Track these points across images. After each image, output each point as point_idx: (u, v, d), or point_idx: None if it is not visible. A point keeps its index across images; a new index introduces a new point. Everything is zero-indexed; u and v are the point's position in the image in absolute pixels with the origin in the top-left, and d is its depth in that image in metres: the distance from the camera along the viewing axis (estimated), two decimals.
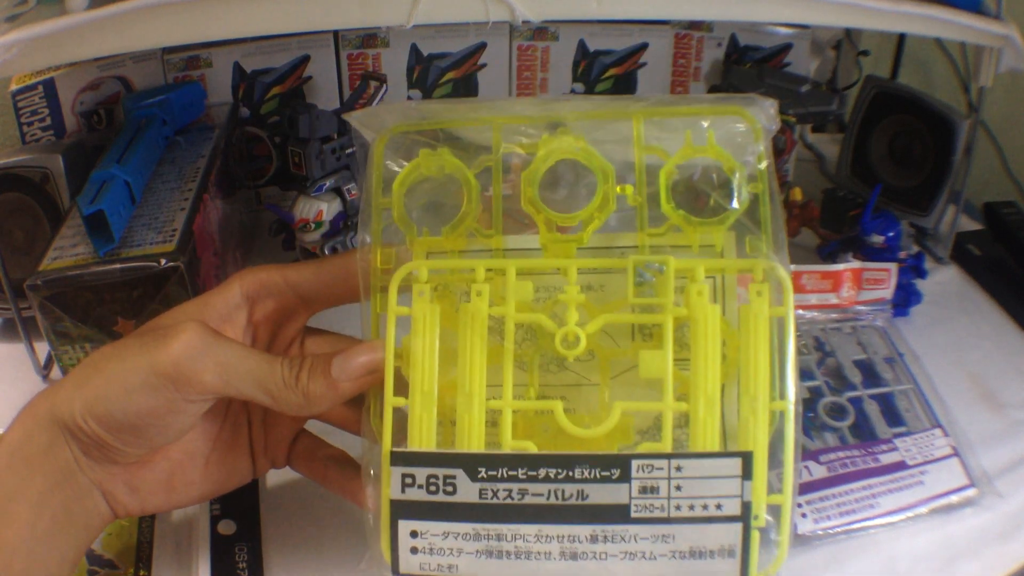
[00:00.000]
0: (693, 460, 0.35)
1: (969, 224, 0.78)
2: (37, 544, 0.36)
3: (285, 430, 0.44)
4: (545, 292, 0.39)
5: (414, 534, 0.36)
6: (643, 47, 0.78)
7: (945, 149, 0.70)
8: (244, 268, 0.42)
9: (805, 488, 0.48)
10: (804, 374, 0.57)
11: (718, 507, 0.35)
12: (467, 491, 0.36)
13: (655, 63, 0.79)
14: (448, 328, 0.38)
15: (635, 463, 0.35)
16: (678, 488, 0.35)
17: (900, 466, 0.50)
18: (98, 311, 0.51)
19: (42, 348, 0.58)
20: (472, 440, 0.36)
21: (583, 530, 0.36)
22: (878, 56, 0.90)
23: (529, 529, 0.36)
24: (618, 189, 0.38)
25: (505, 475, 0.36)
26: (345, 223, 0.65)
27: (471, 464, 0.36)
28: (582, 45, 0.77)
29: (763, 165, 0.38)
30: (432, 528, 0.36)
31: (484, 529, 0.36)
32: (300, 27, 0.48)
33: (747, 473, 0.35)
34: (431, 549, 0.36)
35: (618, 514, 0.35)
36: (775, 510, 0.36)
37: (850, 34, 0.86)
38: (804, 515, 0.47)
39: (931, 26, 0.58)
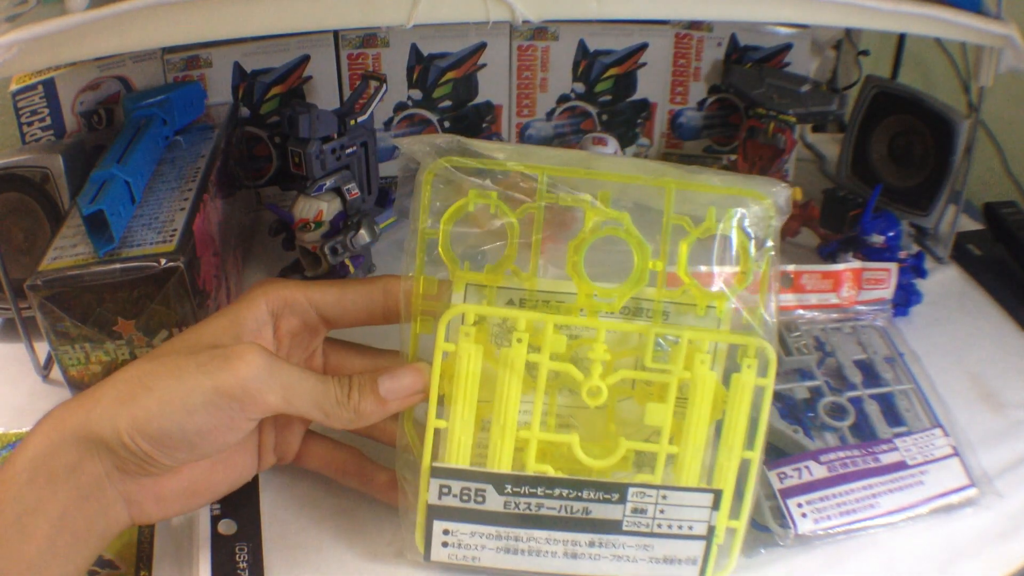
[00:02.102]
0: (676, 492, 0.43)
1: (969, 224, 0.79)
2: (55, 559, 0.36)
3: (297, 432, 0.47)
4: (568, 330, 0.44)
5: (446, 532, 0.43)
6: (643, 47, 0.78)
7: (945, 149, 0.70)
8: (266, 281, 0.44)
9: (805, 488, 0.48)
10: (804, 374, 0.57)
11: (690, 528, 0.44)
12: (494, 502, 0.43)
13: (655, 63, 0.79)
14: (484, 360, 0.42)
15: (631, 490, 0.43)
16: (662, 511, 0.43)
17: (900, 466, 0.50)
18: (98, 311, 0.51)
19: (42, 348, 0.58)
20: (502, 462, 0.43)
21: (584, 537, 0.44)
22: (878, 56, 0.90)
23: (541, 534, 0.43)
24: (650, 264, 0.42)
25: (527, 492, 0.43)
26: (345, 223, 0.65)
27: (500, 481, 0.43)
28: (582, 45, 0.77)
29: (771, 245, 0.43)
30: (461, 528, 0.43)
31: (504, 532, 0.43)
32: (300, 27, 0.49)
33: (716, 505, 0.43)
34: (459, 544, 0.44)
35: (613, 527, 0.43)
36: (732, 531, 0.44)
37: (850, 34, 0.86)
38: (804, 515, 0.47)
39: (931, 26, 0.58)
